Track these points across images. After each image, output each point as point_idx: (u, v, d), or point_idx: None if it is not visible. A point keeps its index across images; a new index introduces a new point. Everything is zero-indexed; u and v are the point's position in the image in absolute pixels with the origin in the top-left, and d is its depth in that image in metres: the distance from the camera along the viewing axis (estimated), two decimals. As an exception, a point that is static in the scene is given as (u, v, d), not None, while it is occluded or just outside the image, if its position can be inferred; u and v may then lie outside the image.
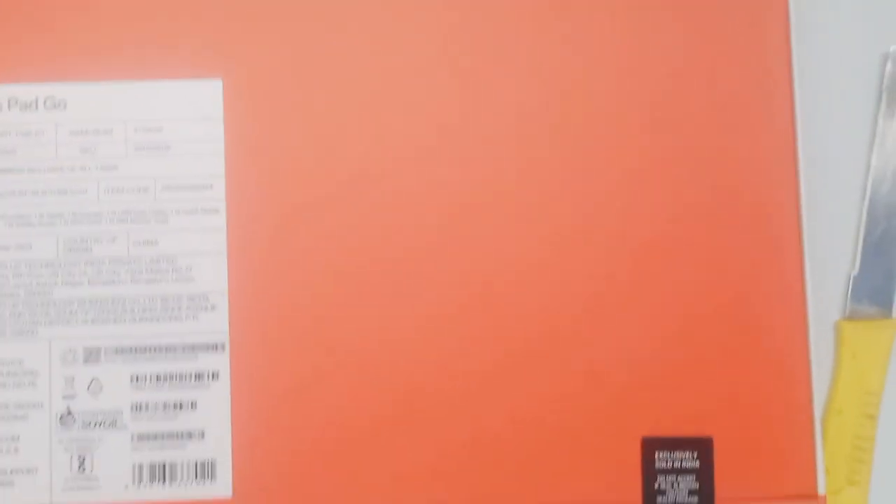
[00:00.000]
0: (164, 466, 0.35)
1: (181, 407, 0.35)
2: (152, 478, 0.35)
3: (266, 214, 0.35)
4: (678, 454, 0.36)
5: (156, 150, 0.35)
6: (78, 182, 0.35)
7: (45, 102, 0.35)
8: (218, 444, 0.35)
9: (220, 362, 0.35)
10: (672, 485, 0.35)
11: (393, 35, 0.36)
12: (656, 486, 0.36)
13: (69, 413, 0.35)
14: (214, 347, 0.35)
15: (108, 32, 0.36)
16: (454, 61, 0.36)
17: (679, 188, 0.36)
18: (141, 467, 0.35)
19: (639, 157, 0.36)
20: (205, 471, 0.35)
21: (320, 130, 0.36)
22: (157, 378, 0.35)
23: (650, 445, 0.36)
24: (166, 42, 0.36)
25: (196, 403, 0.35)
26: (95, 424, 0.35)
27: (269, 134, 0.36)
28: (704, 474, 0.36)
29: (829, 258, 0.41)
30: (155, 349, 0.35)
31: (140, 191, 0.35)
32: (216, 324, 0.35)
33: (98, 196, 0.35)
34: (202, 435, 0.35)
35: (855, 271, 0.41)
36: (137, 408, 0.35)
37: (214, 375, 0.35)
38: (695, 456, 0.36)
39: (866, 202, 0.41)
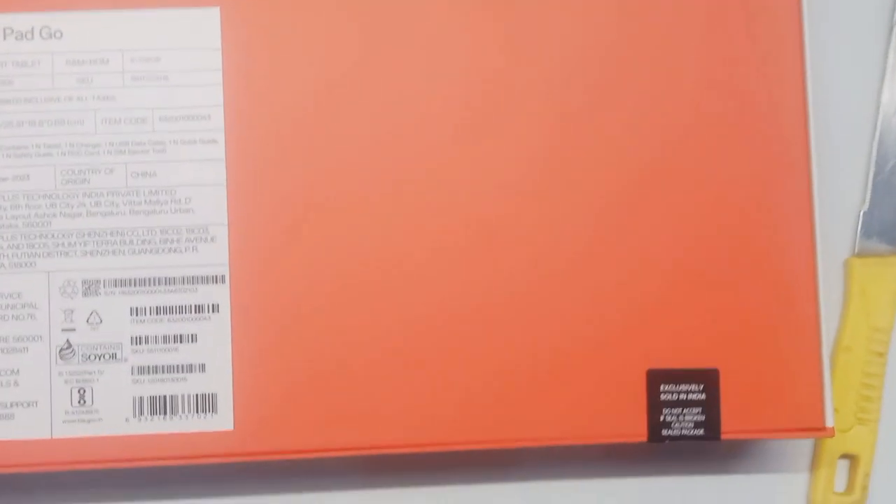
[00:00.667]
0: (164, 399, 0.34)
1: (181, 339, 0.35)
2: (153, 411, 0.34)
3: (265, 144, 0.35)
4: (684, 387, 0.35)
5: (153, 80, 0.35)
6: (75, 113, 0.35)
7: (41, 32, 0.35)
8: (219, 377, 0.35)
9: (221, 294, 0.35)
10: (677, 417, 0.35)
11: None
12: (661, 418, 0.35)
13: (69, 346, 0.34)
14: (214, 279, 0.35)
15: (104, -38, 0.35)
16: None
17: (686, 118, 0.36)
18: (142, 400, 0.34)
19: (642, 85, 0.36)
20: (206, 403, 0.34)
21: (320, 59, 0.35)
22: (157, 310, 0.35)
23: (655, 378, 0.35)
24: (163, -29, 0.35)
25: (196, 336, 0.35)
26: (95, 357, 0.34)
27: (268, 63, 0.35)
28: (710, 407, 0.35)
29: (839, 194, 0.41)
30: (154, 281, 0.35)
31: (138, 121, 0.35)
32: (216, 255, 0.35)
33: (95, 127, 0.35)
34: (203, 368, 0.35)
35: (865, 207, 0.40)
36: (137, 340, 0.35)
37: (215, 308, 0.35)
38: (700, 388, 0.35)
39: (877, 137, 0.41)
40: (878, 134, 0.41)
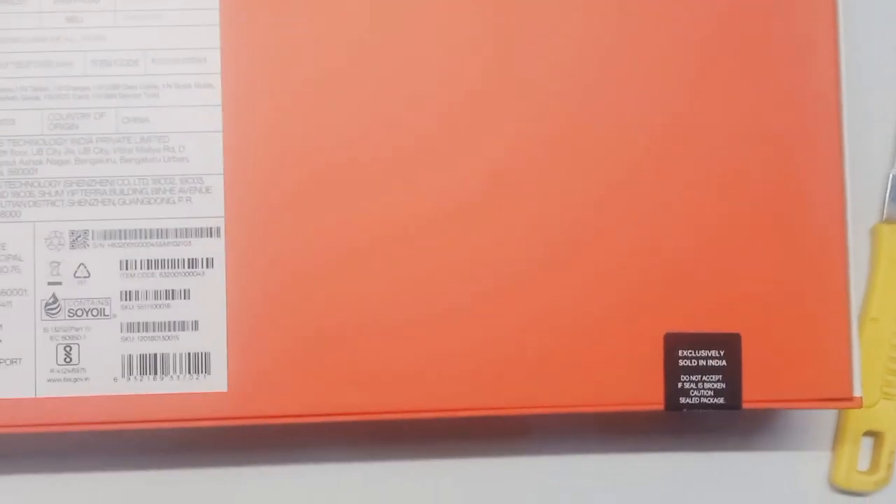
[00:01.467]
0: (155, 358, 0.33)
1: (173, 296, 0.33)
2: (143, 370, 0.33)
3: (265, 90, 0.33)
4: (703, 352, 0.33)
5: (146, 19, 0.33)
6: (63, 54, 0.33)
7: (27, -32, 0.33)
8: (212, 336, 0.33)
9: (216, 248, 0.33)
10: (696, 384, 0.33)
11: None
12: (679, 385, 0.33)
13: (55, 300, 0.33)
14: (209, 232, 0.33)
15: None
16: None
17: (716, 78, 0.34)
18: (131, 358, 0.33)
19: (661, 39, 0.34)
20: (198, 363, 0.33)
21: (322, 2, 0.33)
22: (148, 264, 0.33)
23: (673, 342, 0.33)
24: None
25: (189, 292, 0.33)
26: (82, 313, 0.33)
27: (268, 4, 0.33)
28: (731, 374, 0.33)
29: (869, 157, 0.39)
30: (146, 234, 0.33)
31: (129, 63, 0.33)
32: (211, 207, 0.33)
33: (84, 69, 0.33)
34: (195, 325, 0.33)
35: (894, 170, 0.38)
36: (127, 296, 0.33)
37: (209, 262, 0.33)
38: (721, 354, 0.33)
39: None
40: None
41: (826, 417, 0.38)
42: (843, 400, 0.33)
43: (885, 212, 0.38)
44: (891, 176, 0.38)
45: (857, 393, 0.33)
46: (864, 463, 0.38)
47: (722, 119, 0.34)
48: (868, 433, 0.38)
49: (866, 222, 0.38)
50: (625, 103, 0.34)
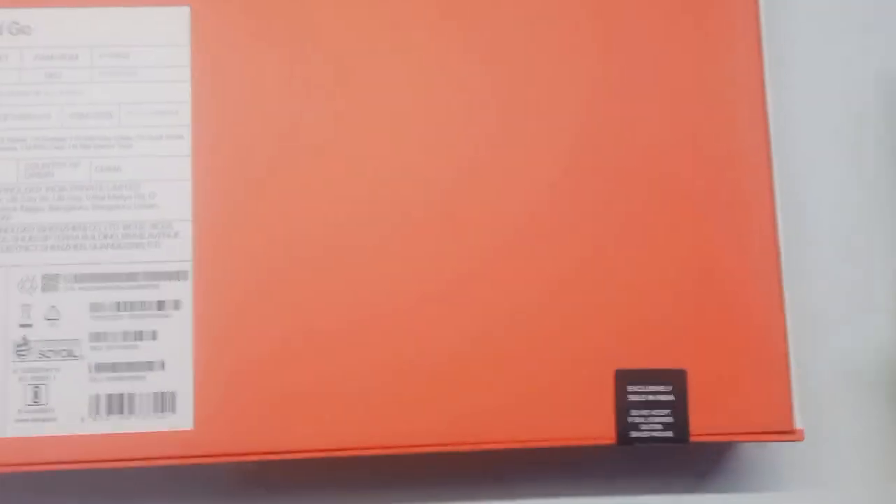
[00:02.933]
0: (122, 398, 0.34)
1: (142, 337, 0.34)
2: (110, 410, 0.33)
3: (231, 141, 0.35)
4: (652, 387, 0.35)
5: (121, 75, 0.35)
6: (41, 107, 0.34)
7: (10, 28, 0.35)
8: (179, 375, 0.34)
9: (183, 291, 0.34)
10: (645, 419, 0.35)
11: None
12: (629, 420, 0.35)
13: (25, 342, 0.34)
14: (177, 275, 0.34)
15: (76, -37, 0.35)
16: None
17: (656, 140, 0.36)
18: (98, 399, 0.33)
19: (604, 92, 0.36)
20: (165, 402, 0.34)
21: (288, 57, 0.35)
22: (118, 306, 0.34)
23: (623, 378, 0.35)
24: (135, -28, 0.36)
25: (157, 333, 0.34)
26: (52, 354, 0.34)
27: (236, 60, 0.35)
28: (678, 408, 0.35)
29: (800, 200, 0.41)
30: (115, 277, 0.34)
31: (104, 116, 0.35)
32: (179, 251, 0.34)
33: (61, 121, 0.34)
34: (162, 365, 0.34)
35: (828, 220, 0.41)
36: (96, 337, 0.34)
37: (176, 304, 0.34)
38: (669, 389, 0.35)
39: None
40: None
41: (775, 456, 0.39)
42: (786, 432, 0.35)
43: (821, 259, 0.40)
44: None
45: (798, 425, 0.35)
46: None
47: (659, 161, 0.36)
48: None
49: (800, 258, 0.40)
50: (568, 165, 0.36)
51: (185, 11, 0.35)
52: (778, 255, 0.36)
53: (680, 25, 0.37)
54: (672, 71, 0.36)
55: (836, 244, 0.41)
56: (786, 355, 0.35)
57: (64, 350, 0.34)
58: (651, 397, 0.35)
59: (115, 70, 0.35)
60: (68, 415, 0.33)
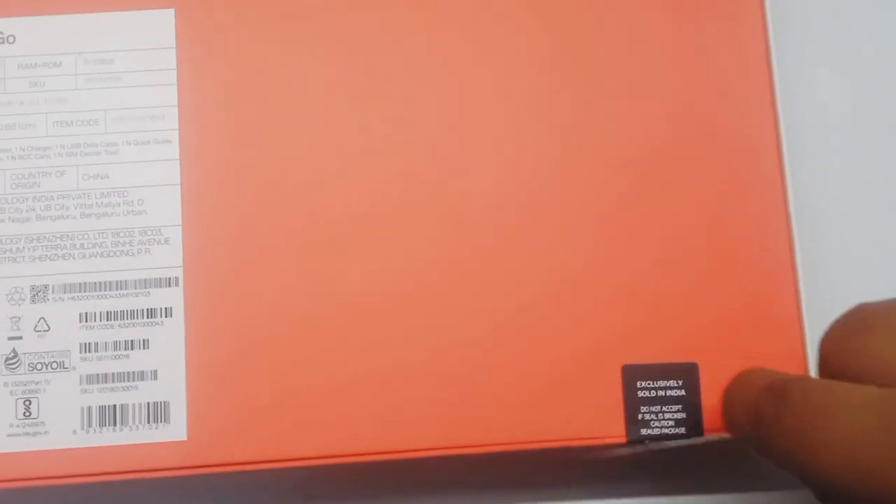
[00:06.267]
0: (114, 409, 0.33)
1: (133, 346, 0.33)
2: (102, 422, 0.33)
3: (220, 144, 0.34)
4: (662, 383, 0.33)
5: (106, 81, 0.34)
6: (26, 116, 0.34)
7: (-7, 38, 0.34)
8: (172, 385, 0.33)
9: (174, 298, 0.33)
10: (656, 416, 0.33)
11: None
12: (640, 417, 0.33)
13: (14, 355, 0.33)
14: (168, 282, 0.33)
15: (60, -28, 0.35)
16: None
17: (660, 127, 0.35)
18: (90, 410, 0.33)
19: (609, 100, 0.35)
20: (158, 413, 0.33)
21: (275, 59, 0.35)
22: (108, 315, 0.33)
23: (631, 373, 0.33)
24: (119, -22, 0.35)
25: (148, 342, 0.33)
26: (42, 366, 0.33)
27: (223, 62, 0.35)
28: (691, 403, 0.33)
29: (811, 191, 0.40)
30: (105, 286, 0.33)
31: (90, 123, 0.34)
32: (169, 258, 0.33)
33: (47, 129, 0.34)
34: (154, 375, 0.33)
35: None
36: (87, 348, 0.33)
37: (167, 312, 0.33)
38: (680, 384, 0.33)
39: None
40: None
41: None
42: (805, 425, 0.33)
43: (837, 247, 0.39)
44: (840, 211, 0.39)
45: (817, 417, 0.33)
46: None
47: (675, 162, 0.35)
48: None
49: (812, 246, 0.39)
50: (582, 153, 0.35)
51: (169, 14, 0.35)
52: (792, 244, 0.34)
53: (684, 18, 0.36)
54: (678, 63, 0.35)
55: (852, 234, 0.39)
56: (802, 347, 0.34)
57: (54, 362, 0.33)
58: (661, 393, 0.33)
59: (99, 76, 0.34)
60: (60, 428, 0.33)
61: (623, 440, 0.33)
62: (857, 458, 0.25)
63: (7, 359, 0.33)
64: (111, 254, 0.33)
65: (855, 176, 0.40)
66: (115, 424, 0.33)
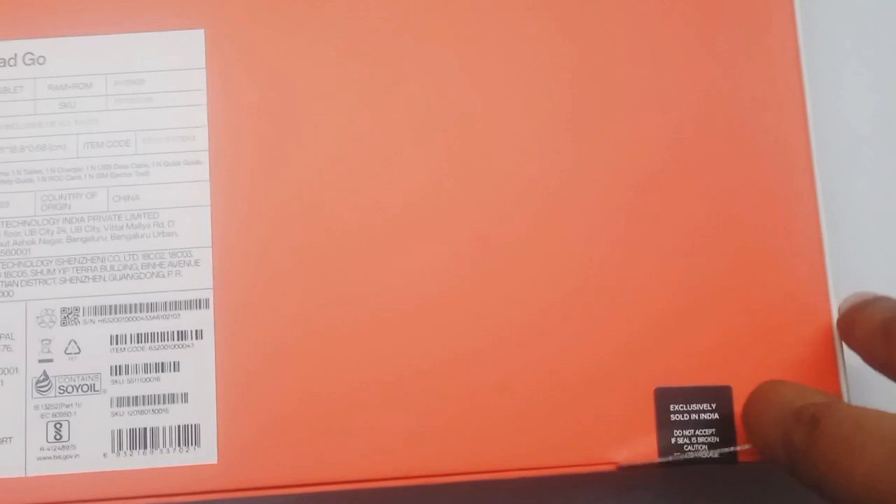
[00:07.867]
0: (145, 432, 0.33)
1: (163, 368, 0.33)
2: (132, 445, 0.32)
3: (250, 165, 0.34)
4: (695, 406, 0.33)
5: (137, 102, 0.34)
6: (57, 137, 0.34)
7: (24, 58, 0.34)
8: (202, 407, 0.33)
9: (205, 319, 0.33)
10: (689, 440, 0.33)
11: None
12: (673, 441, 0.33)
13: (45, 378, 0.33)
14: (198, 304, 0.33)
15: (89, -8, 0.35)
16: None
17: (690, 133, 0.35)
18: (121, 433, 0.33)
19: (638, 97, 0.35)
20: (188, 436, 0.33)
21: (304, 79, 0.35)
22: (139, 338, 0.33)
23: (664, 397, 0.33)
24: (148, -2, 0.35)
25: (179, 364, 0.33)
26: (73, 389, 0.33)
27: (253, 84, 0.34)
28: (724, 427, 0.33)
29: (844, 208, 0.39)
30: (136, 308, 0.33)
31: (120, 144, 0.34)
32: (200, 279, 0.33)
33: (77, 151, 0.34)
34: (185, 398, 0.33)
35: (875, 225, 0.39)
36: (117, 370, 0.33)
37: (198, 334, 0.33)
38: (713, 407, 0.33)
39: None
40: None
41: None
42: (840, 450, 0.33)
43: (869, 266, 0.38)
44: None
45: (852, 441, 0.33)
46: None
47: (704, 171, 0.35)
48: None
49: (846, 264, 0.38)
50: (600, 165, 0.35)
51: (199, 34, 0.35)
52: (824, 261, 0.34)
53: (711, 21, 0.35)
54: (707, 72, 0.35)
55: (886, 250, 0.39)
56: (836, 369, 0.34)
57: (85, 384, 0.33)
58: (694, 416, 0.33)
59: (129, 97, 0.34)
60: (90, 451, 0.32)
61: (655, 460, 0.33)
62: (883, 490, 0.25)
63: (38, 381, 0.33)
64: (141, 276, 0.33)
65: (884, 186, 0.39)
66: (145, 447, 0.33)
